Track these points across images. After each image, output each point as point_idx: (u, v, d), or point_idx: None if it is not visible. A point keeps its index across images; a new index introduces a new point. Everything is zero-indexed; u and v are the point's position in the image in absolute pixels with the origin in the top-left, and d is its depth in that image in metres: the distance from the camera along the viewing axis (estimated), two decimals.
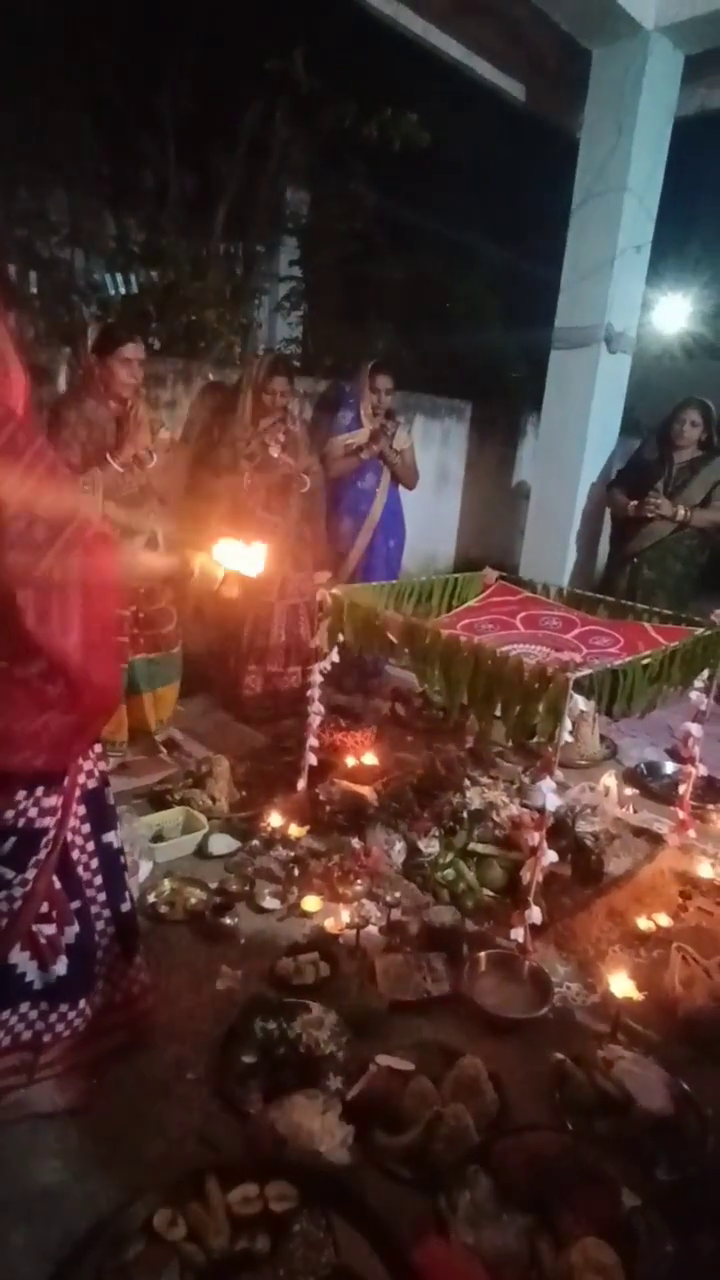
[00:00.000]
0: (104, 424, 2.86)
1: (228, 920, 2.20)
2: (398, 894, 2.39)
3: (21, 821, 1.42)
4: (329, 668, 2.75)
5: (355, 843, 2.54)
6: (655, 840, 2.79)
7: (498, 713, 2.20)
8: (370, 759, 3.07)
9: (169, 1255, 1.32)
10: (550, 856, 2.15)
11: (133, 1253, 1.32)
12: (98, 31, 3.83)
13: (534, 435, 5.86)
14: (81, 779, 1.55)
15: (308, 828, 2.67)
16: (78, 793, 1.54)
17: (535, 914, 2.14)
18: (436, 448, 5.52)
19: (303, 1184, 1.44)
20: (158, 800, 2.78)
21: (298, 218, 5.22)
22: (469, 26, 4.53)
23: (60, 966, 1.54)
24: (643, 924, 2.31)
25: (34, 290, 3.86)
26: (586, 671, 2.08)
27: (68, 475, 1.38)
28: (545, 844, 2.13)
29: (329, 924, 2.25)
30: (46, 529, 1.26)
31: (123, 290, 4.14)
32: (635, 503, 3.98)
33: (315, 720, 2.81)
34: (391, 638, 2.41)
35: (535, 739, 2.16)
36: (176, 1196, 1.41)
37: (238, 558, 1.78)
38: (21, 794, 1.41)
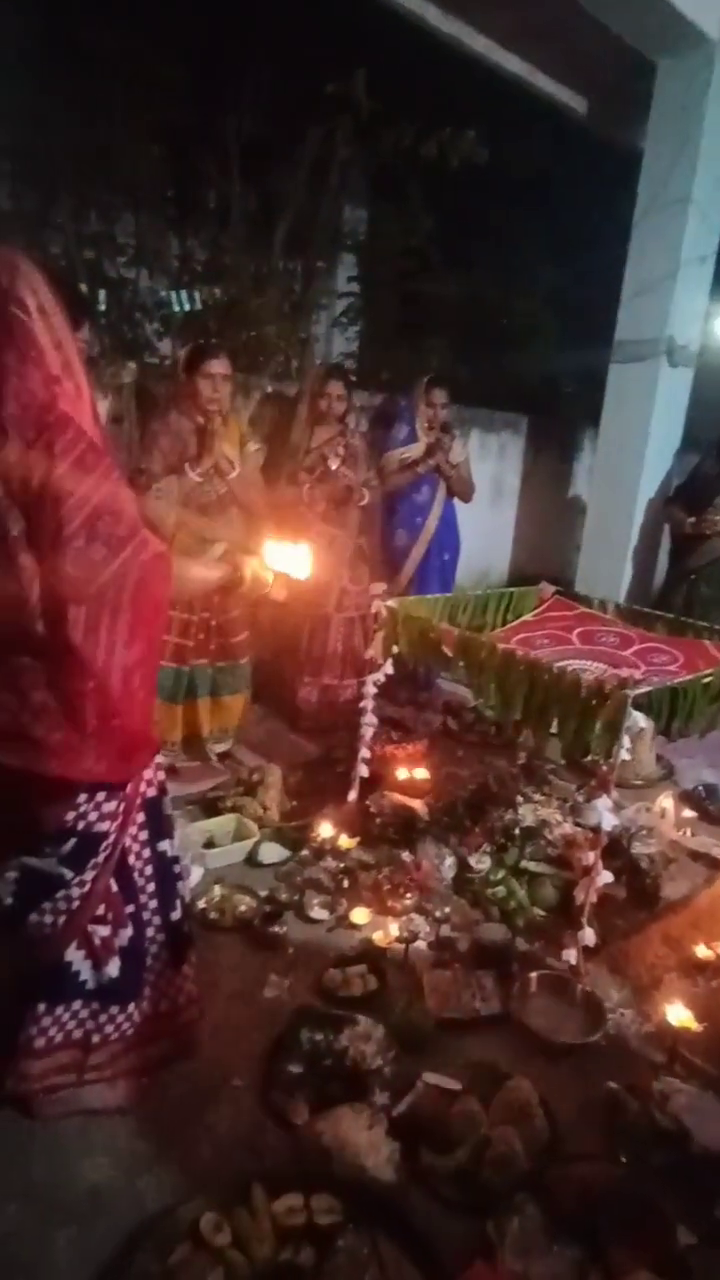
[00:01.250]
0: (186, 435, 2.94)
1: (276, 929, 2.21)
2: (447, 909, 2.36)
3: (81, 824, 1.45)
4: (383, 679, 2.76)
5: (405, 856, 2.53)
6: (714, 865, 2.69)
7: (553, 729, 2.17)
8: (422, 772, 3.05)
9: (214, 1261, 1.32)
10: (605, 877, 2.10)
11: (178, 1257, 1.33)
12: (167, 60, 3.97)
13: (591, 450, 5.79)
14: (142, 787, 1.58)
15: (358, 839, 2.66)
16: (139, 800, 1.57)
17: (588, 935, 2.09)
18: (492, 462, 5.50)
19: (348, 1198, 1.43)
20: (210, 807, 2.82)
21: (356, 235, 5.29)
22: (530, 44, 4.55)
23: (113, 968, 1.57)
24: (701, 952, 2.23)
25: (102, 308, 4.00)
26: (645, 688, 2.03)
27: (131, 495, 1.40)
28: (600, 864, 2.08)
29: (378, 937, 2.24)
30: (105, 547, 1.29)
31: (185, 307, 4.26)
32: (694, 519, 3.90)
33: (368, 732, 2.81)
34: (446, 650, 2.40)
35: (590, 756, 2.12)
36: (222, 1202, 1.41)
37: (285, 560, 1.78)
38: (82, 797, 1.44)
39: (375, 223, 5.29)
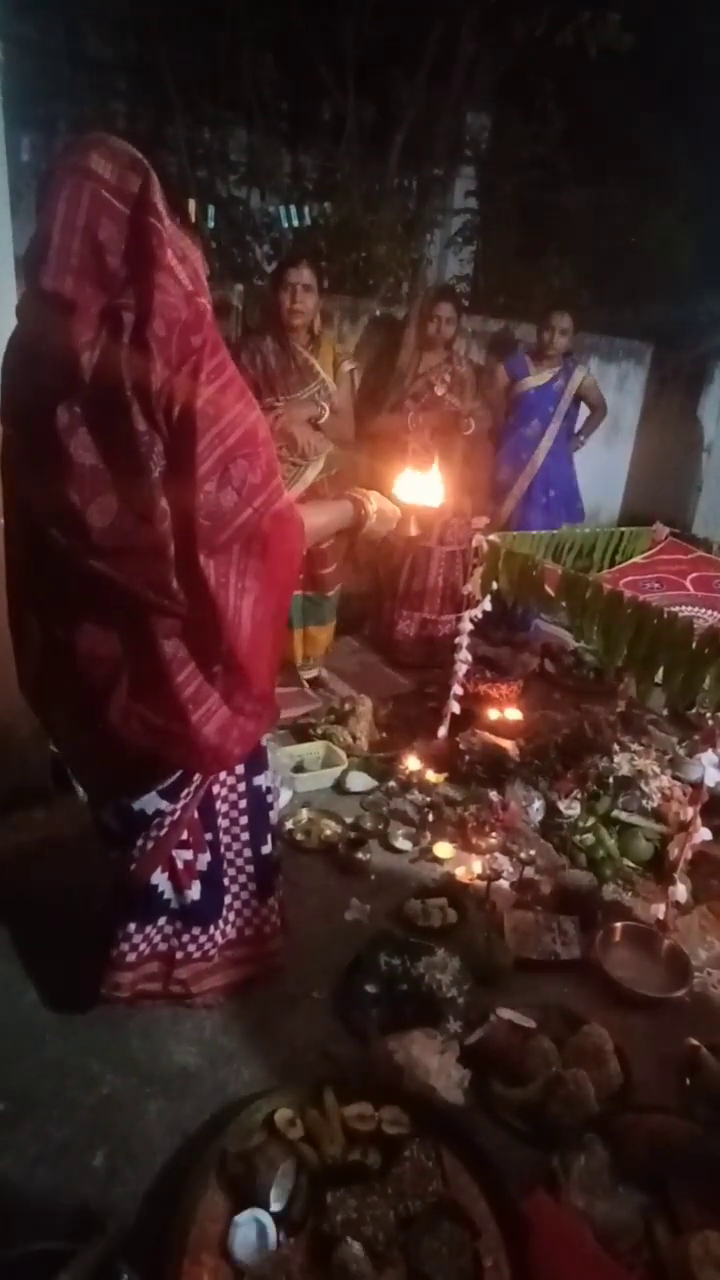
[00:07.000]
0: (269, 356, 2.85)
1: (360, 855, 2.25)
2: (532, 852, 2.33)
3: None
4: (480, 616, 2.69)
5: (493, 795, 2.50)
6: None
7: (659, 678, 2.05)
8: (514, 713, 2.99)
9: (287, 1151, 1.39)
10: (704, 834, 2.01)
11: (255, 1142, 1.41)
12: None
13: None
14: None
15: (445, 775, 2.66)
16: None
17: (680, 891, 2.03)
18: (611, 394, 5.12)
19: (416, 1114, 1.47)
20: (300, 733, 2.87)
21: (477, 145, 4.94)
22: None
23: (194, 891, 1.61)
24: None
25: (211, 226, 3.95)
26: None
27: (269, 436, 1.28)
28: (699, 820, 1.99)
29: (460, 872, 2.25)
30: (237, 494, 1.20)
31: (295, 223, 4.14)
32: None
33: (461, 669, 2.76)
34: (548, 589, 2.31)
35: (696, 709, 2.00)
36: (297, 1101, 1.49)
37: (417, 490, 1.65)
38: None
39: (499, 130, 4.91)
